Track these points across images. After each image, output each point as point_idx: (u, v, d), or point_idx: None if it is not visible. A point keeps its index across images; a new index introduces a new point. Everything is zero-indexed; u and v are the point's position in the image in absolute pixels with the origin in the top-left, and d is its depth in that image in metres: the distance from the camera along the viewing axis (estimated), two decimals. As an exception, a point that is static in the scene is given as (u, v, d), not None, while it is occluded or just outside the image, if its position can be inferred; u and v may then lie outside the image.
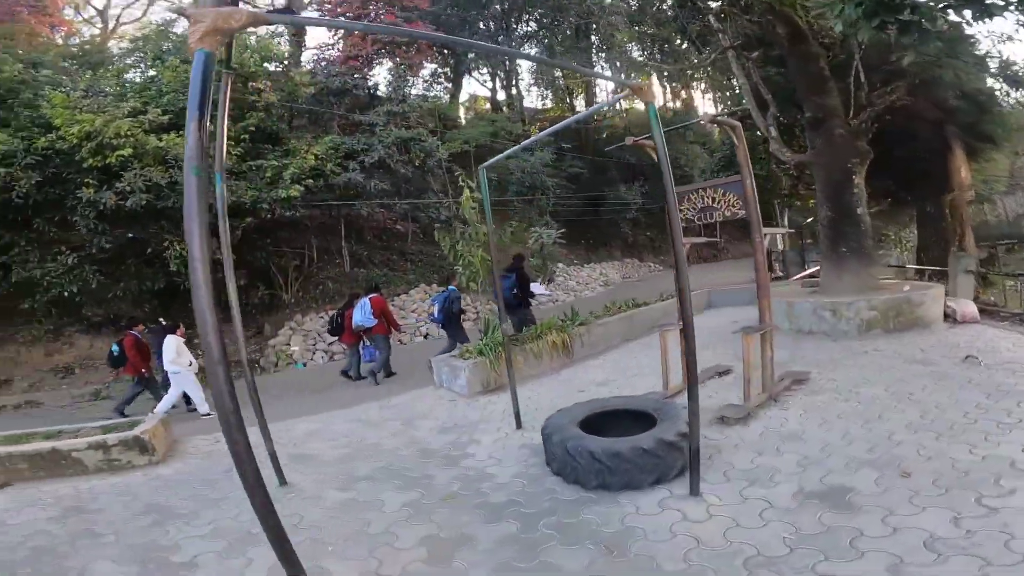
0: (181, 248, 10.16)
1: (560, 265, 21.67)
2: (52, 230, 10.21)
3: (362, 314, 8.15)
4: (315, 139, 12.72)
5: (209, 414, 7.11)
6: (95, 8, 23.31)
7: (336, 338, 9.68)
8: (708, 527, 2.68)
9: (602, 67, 26.40)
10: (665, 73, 17.97)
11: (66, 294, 10.36)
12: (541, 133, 5.56)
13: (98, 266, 10.63)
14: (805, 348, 6.13)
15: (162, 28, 15.28)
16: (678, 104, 35.28)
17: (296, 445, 4.93)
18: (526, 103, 31.27)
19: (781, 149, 8.53)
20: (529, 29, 26.27)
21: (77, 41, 18.54)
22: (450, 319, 8.27)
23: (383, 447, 4.62)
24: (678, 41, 11.90)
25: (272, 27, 16.92)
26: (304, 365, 11.80)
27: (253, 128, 11.34)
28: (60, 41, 18.24)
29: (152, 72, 12.29)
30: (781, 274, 15.51)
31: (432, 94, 23.90)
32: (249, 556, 2.84)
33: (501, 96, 29.52)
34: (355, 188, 12.61)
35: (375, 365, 8.28)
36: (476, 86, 31.29)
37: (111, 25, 23.61)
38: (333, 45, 17.85)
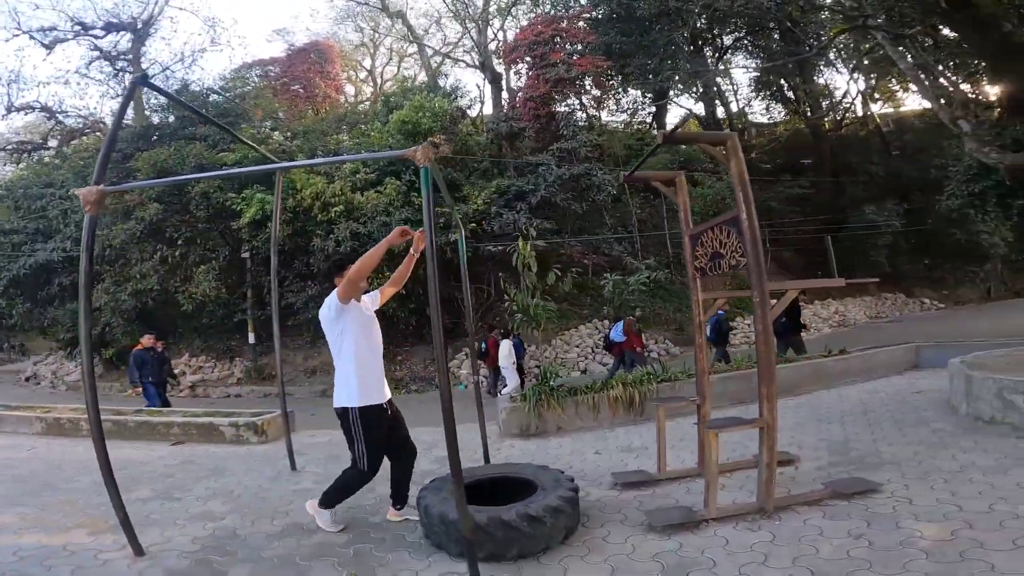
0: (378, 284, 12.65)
1: (773, 302, 18.87)
2: (303, 268, 13.90)
3: (615, 332, 10.63)
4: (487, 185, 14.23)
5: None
6: (366, 69, 30.54)
7: (607, 352, 12.05)
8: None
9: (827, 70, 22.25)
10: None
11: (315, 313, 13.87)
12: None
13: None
14: (945, 446, 4.17)
15: (404, 84, 19.05)
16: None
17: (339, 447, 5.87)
18: (757, 118, 28.36)
19: (982, 149, 6.14)
20: (733, 40, 23.93)
21: (354, 100, 24.38)
22: (719, 336, 10.25)
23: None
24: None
25: (448, 86, 20.05)
26: (465, 387, 13.14)
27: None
28: (345, 101, 24.39)
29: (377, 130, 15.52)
30: None
31: (636, 121, 23.75)
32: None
33: (722, 114, 27.38)
34: (519, 228, 13.59)
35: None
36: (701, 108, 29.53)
37: (379, 83, 30.53)
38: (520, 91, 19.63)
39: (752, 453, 4.38)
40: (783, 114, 27.17)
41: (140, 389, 8.72)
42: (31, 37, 21.93)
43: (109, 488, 3.16)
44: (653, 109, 25.60)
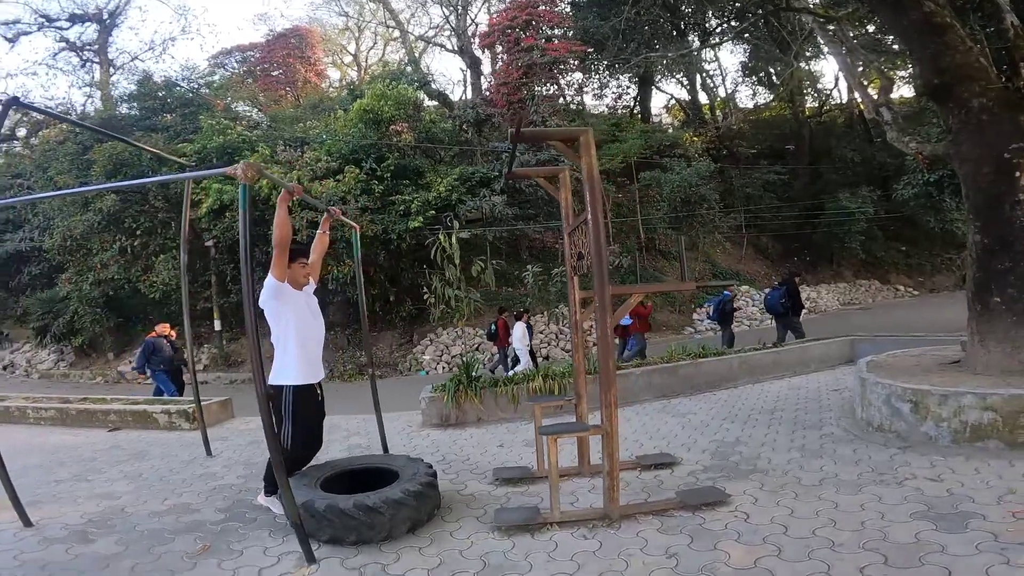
0: (337, 271, 12.77)
1: (744, 288, 18.99)
2: (263, 257, 13.84)
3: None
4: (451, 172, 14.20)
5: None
6: (351, 54, 30.33)
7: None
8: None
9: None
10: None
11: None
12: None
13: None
14: (823, 454, 4.10)
15: (385, 68, 19.00)
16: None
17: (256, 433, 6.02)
18: (744, 103, 28.15)
19: (902, 138, 6.14)
20: (718, 25, 23.63)
21: (339, 84, 24.17)
22: (724, 317, 10.44)
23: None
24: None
25: (412, 75, 19.84)
26: (427, 373, 13.29)
27: (392, 167, 13.36)
28: (328, 86, 24.22)
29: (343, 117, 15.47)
30: None
31: (621, 106, 23.64)
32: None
33: (705, 99, 27.16)
34: (482, 213, 13.60)
35: (627, 356, 9.80)
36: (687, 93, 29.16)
37: (364, 67, 30.33)
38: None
39: (646, 451, 4.48)
40: (769, 99, 27.03)
41: (145, 376, 8.65)
42: (-8, 31, 21.67)
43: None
44: (636, 94, 25.44)
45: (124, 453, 5.51)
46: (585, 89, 22.88)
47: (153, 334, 8.95)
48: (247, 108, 21.88)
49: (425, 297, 8.36)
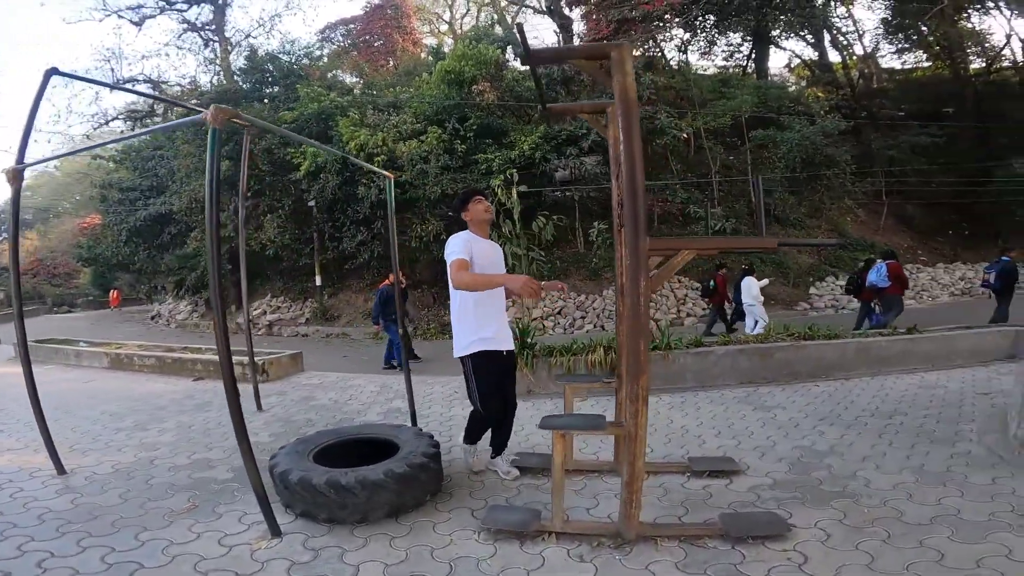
0: (421, 230, 12.82)
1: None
2: (354, 215, 14.26)
3: (877, 275, 9.12)
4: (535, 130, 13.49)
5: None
6: (446, 22, 30.29)
7: (853, 297, 10.56)
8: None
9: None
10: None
11: (366, 258, 14.29)
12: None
13: (379, 241, 14.08)
14: (947, 480, 3.07)
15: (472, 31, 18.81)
16: None
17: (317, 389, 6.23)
18: (887, 62, 23.88)
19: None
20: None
21: (432, 50, 24.58)
22: (1005, 287, 9.33)
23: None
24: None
25: (497, 35, 18.62)
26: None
27: (475, 127, 12.94)
28: (426, 54, 24.58)
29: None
30: None
31: (732, 65, 21.23)
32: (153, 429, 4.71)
33: (836, 58, 23.35)
34: (572, 173, 12.83)
35: (883, 320, 8.89)
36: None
37: (459, 34, 30.20)
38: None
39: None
40: (922, 59, 22.78)
41: (380, 328, 8.51)
42: (119, 16, 23.90)
43: (37, 419, 3.64)
44: (749, 52, 22.63)
45: (192, 403, 5.77)
46: (690, 47, 20.75)
47: (387, 282, 8.46)
48: (354, 78, 22.57)
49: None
